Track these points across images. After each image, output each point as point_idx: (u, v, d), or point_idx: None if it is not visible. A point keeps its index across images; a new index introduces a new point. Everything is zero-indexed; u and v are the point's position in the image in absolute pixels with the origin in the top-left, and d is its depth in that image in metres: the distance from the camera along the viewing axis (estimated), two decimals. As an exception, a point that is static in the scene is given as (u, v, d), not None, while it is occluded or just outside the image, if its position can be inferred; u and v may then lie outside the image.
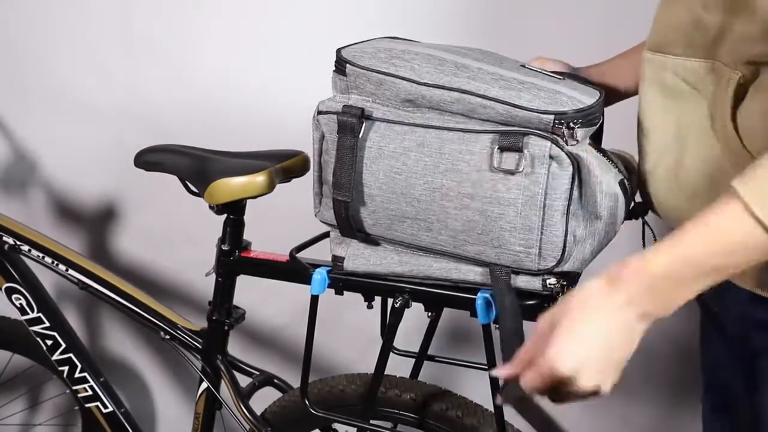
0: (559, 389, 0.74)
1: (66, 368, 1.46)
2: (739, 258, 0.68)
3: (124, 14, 1.70)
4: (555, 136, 0.87)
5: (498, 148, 0.88)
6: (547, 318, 0.74)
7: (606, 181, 0.88)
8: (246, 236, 1.27)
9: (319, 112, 0.99)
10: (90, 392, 1.47)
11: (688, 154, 0.84)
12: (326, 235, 1.17)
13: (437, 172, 0.92)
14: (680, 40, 0.85)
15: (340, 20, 1.63)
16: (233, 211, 1.25)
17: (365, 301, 1.10)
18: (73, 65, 1.73)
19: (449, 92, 0.91)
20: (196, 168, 1.23)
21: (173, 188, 1.27)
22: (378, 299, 1.12)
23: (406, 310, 1.02)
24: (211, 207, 1.23)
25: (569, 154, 0.86)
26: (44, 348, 1.46)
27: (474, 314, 0.97)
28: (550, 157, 0.87)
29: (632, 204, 0.96)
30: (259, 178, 1.19)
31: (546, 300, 0.95)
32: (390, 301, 1.05)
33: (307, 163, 1.27)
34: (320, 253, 1.12)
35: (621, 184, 0.91)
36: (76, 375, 1.47)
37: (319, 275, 1.05)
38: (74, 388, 1.48)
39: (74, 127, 1.76)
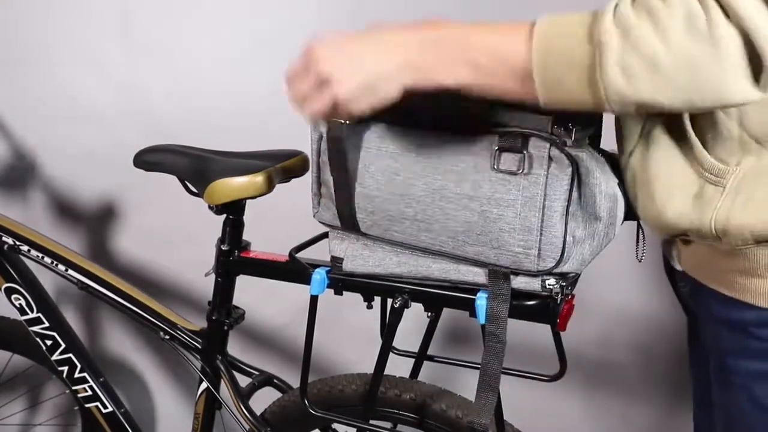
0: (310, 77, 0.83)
1: (66, 368, 1.46)
2: (495, 66, 0.75)
3: (124, 14, 1.70)
4: (554, 137, 0.87)
5: (497, 149, 0.88)
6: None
7: (605, 181, 0.88)
8: (245, 236, 1.27)
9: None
10: (90, 392, 1.47)
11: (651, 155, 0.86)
12: (326, 235, 1.17)
13: (436, 172, 0.91)
14: None
15: (341, 19, 1.63)
16: (233, 211, 1.24)
17: (365, 301, 1.10)
18: (73, 65, 1.73)
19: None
20: (195, 168, 1.23)
21: (173, 188, 1.27)
22: (377, 299, 1.12)
23: (405, 310, 1.02)
24: (210, 207, 1.23)
25: (568, 155, 0.86)
26: (44, 348, 1.46)
27: (473, 314, 0.97)
28: (550, 158, 0.87)
29: None
30: (259, 178, 1.19)
31: (545, 301, 0.95)
32: (389, 301, 1.04)
33: (306, 163, 1.27)
34: (320, 253, 1.12)
35: (620, 185, 0.91)
36: (76, 375, 1.46)
37: (319, 275, 1.05)
38: (74, 388, 1.47)
39: (74, 127, 1.76)
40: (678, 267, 0.96)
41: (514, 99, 0.77)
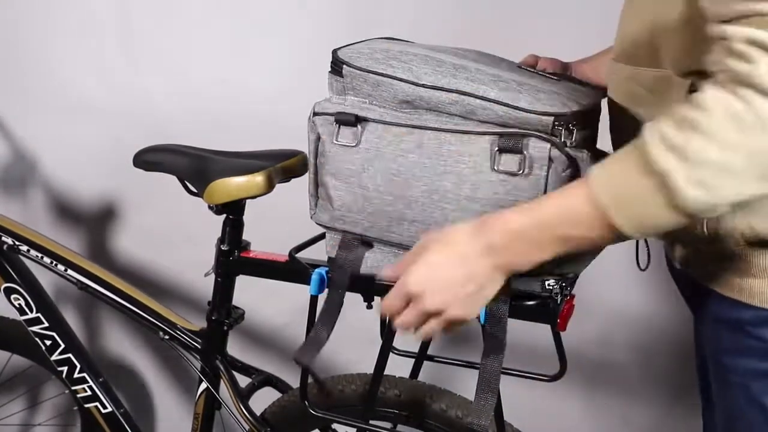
0: (419, 312, 0.83)
1: (65, 368, 1.46)
2: (583, 231, 0.75)
3: (123, 14, 1.70)
4: (554, 137, 0.87)
5: (497, 149, 0.88)
6: (418, 246, 0.84)
7: None
8: (245, 236, 1.26)
9: (315, 114, 0.99)
10: (89, 392, 1.47)
11: None
12: (325, 235, 1.17)
13: (436, 174, 0.91)
14: (633, 52, 0.87)
15: (340, 19, 1.63)
16: (232, 211, 1.24)
17: (365, 301, 1.09)
18: (73, 65, 1.73)
19: (448, 94, 0.91)
20: (195, 168, 1.23)
21: (172, 188, 1.27)
22: (377, 299, 1.12)
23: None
24: (210, 207, 1.23)
25: (568, 156, 0.86)
26: (43, 348, 1.46)
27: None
28: (550, 159, 0.86)
29: None
30: (259, 178, 1.19)
31: (545, 301, 0.95)
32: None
33: (306, 163, 1.27)
34: (320, 253, 1.12)
35: None
36: (76, 375, 1.46)
37: (318, 275, 1.05)
38: (73, 388, 1.47)
39: (74, 127, 1.76)
40: (677, 266, 0.96)
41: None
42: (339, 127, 0.97)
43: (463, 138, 0.90)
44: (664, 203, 0.70)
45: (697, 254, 0.90)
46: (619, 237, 0.75)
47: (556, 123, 0.86)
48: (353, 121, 0.95)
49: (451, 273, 0.81)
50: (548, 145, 0.86)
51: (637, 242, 1.00)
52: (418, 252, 0.84)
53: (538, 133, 0.87)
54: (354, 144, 0.96)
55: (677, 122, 0.69)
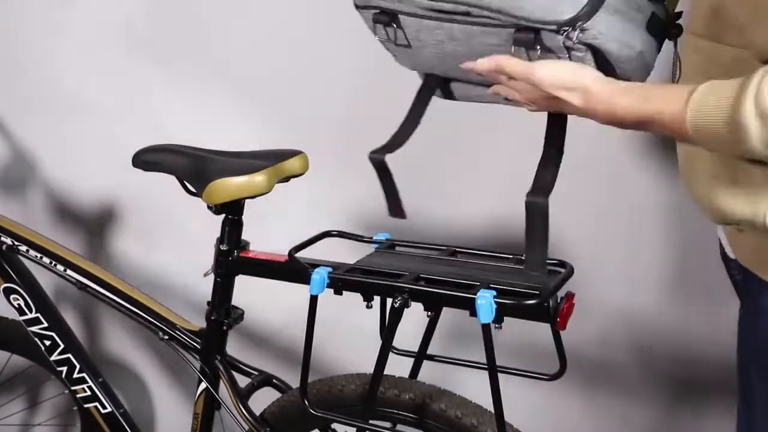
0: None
1: (65, 368, 1.46)
2: (660, 116, 0.81)
3: (123, 14, 1.70)
4: (564, 29, 0.87)
5: (514, 42, 0.90)
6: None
7: (629, 44, 0.89)
8: (245, 236, 1.26)
9: (357, 6, 1.01)
10: (89, 392, 1.47)
11: None
12: (325, 234, 1.17)
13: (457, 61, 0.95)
14: (717, 28, 0.86)
15: (340, 19, 1.63)
16: (232, 211, 1.24)
17: (364, 301, 1.09)
18: (73, 65, 1.73)
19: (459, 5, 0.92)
20: (194, 168, 1.23)
21: (172, 188, 1.26)
22: (377, 299, 1.12)
23: (405, 309, 1.02)
24: (209, 207, 1.23)
25: (584, 44, 0.88)
26: (43, 348, 1.46)
27: (474, 314, 0.96)
28: (566, 48, 0.88)
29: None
30: (258, 178, 1.19)
31: (546, 299, 0.95)
32: (389, 300, 1.04)
33: (305, 163, 1.27)
34: (319, 253, 1.12)
35: (650, 26, 0.92)
36: (75, 375, 1.46)
37: (318, 275, 1.05)
38: (73, 388, 1.47)
39: (74, 127, 1.76)
40: (731, 255, 0.95)
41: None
42: (375, 26, 1.00)
43: (486, 30, 0.92)
44: (733, 145, 0.75)
45: (751, 243, 0.89)
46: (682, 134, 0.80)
47: (566, 29, 0.87)
48: (388, 20, 0.98)
49: (566, 74, 0.88)
50: (561, 37, 0.87)
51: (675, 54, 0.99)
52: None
53: (547, 27, 0.87)
54: (394, 40, 1.00)
55: None
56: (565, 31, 0.86)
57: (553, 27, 0.86)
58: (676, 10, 0.97)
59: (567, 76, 0.88)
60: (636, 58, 0.90)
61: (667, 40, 0.95)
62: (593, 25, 0.86)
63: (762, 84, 0.71)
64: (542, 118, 0.96)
